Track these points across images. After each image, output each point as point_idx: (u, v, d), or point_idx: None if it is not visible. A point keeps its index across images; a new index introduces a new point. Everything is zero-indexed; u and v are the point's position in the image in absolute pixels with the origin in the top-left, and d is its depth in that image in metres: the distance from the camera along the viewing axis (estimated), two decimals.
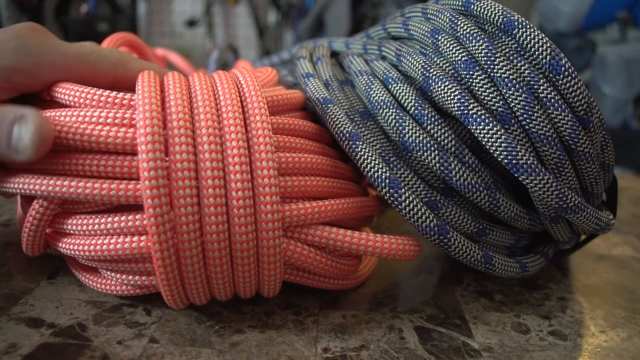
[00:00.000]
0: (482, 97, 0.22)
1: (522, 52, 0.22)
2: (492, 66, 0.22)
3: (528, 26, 0.22)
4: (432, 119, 0.23)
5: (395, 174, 0.23)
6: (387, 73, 0.26)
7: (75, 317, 0.22)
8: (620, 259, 0.33)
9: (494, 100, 0.22)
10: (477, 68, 0.22)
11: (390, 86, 0.25)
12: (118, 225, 0.20)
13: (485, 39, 0.22)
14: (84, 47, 0.24)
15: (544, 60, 0.22)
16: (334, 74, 0.29)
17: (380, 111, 0.24)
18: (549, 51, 0.22)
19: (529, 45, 0.22)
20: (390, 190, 0.22)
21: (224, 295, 0.22)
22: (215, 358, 0.20)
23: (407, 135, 0.23)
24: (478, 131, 0.22)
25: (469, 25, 0.23)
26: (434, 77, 0.23)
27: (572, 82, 0.22)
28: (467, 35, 0.23)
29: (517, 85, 0.21)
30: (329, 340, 0.22)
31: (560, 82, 0.22)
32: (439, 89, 0.23)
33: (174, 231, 0.19)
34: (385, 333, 0.22)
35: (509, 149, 0.21)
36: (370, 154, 0.23)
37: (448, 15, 0.24)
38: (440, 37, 0.24)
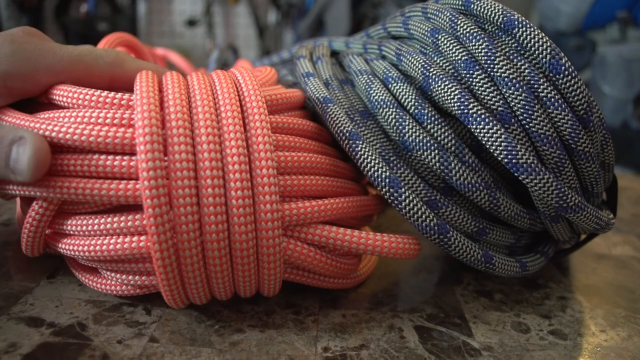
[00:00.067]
0: (482, 96, 0.22)
1: (522, 52, 0.22)
2: (492, 65, 0.22)
3: (528, 25, 0.22)
4: (432, 119, 0.23)
5: (395, 174, 0.23)
6: (387, 72, 0.26)
7: (75, 316, 0.22)
8: (620, 258, 0.33)
9: (494, 99, 0.22)
10: (477, 67, 0.22)
11: (390, 85, 0.25)
12: (118, 226, 0.20)
13: (486, 39, 0.22)
14: (79, 49, 0.24)
15: (544, 60, 0.22)
16: (334, 74, 0.28)
17: (380, 110, 0.24)
18: (549, 50, 0.22)
19: (529, 45, 0.22)
20: (390, 190, 0.22)
21: (224, 294, 0.22)
22: (215, 357, 0.20)
23: (407, 135, 0.23)
24: (478, 130, 0.22)
25: (469, 24, 0.23)
26: (434, 77, 0.23)
27: (572, 82, 0.22)
28: (467, 34, 0.23)
29: (517, 85, 0.21)
30: (329, 340, 0.22)
31: (560, 81, 0.22)
32: (439, 89, 0.23)
33: (173, 231, 0.19)
34: (385, 332, 0.22)
35: (509, 148, 0.21)
36: (370, 154, 0.23)
37: (448, 14, 0.24)
38: (440, 37, 0.24)
